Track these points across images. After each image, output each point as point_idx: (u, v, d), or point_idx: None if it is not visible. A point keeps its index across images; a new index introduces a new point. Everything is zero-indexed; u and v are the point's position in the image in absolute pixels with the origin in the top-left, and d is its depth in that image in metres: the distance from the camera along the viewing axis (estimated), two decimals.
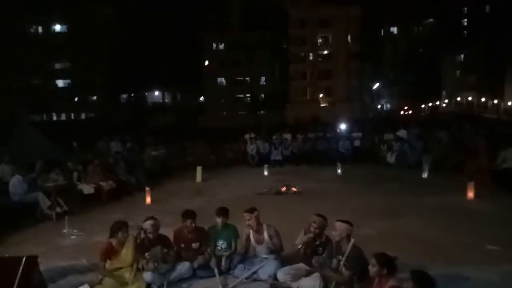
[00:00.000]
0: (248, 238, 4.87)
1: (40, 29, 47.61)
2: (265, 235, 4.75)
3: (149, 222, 4.63)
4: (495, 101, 45.42)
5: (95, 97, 50.27)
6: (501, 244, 5.40)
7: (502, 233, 5.89)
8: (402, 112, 54.89)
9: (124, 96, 56.19)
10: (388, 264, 3.40)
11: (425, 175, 10.66)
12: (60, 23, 47.88)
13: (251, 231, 4.84)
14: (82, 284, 4.41)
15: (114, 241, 4.41)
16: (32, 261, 3.91)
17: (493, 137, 11.78)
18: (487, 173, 9.25)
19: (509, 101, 42.86)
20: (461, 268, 4.68)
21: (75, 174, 9.06)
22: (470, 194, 8.04)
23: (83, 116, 48.72)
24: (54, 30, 48.25)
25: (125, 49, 45.88)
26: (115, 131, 17.18)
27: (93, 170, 9.16)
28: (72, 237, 6.51)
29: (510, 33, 37.74)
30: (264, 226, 4.82)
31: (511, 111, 39.65)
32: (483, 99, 49.24)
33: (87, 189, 8.65)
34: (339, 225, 4.13)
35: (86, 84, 46.59)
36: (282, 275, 4.45)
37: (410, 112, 54.76)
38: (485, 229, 6.14)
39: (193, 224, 4.85)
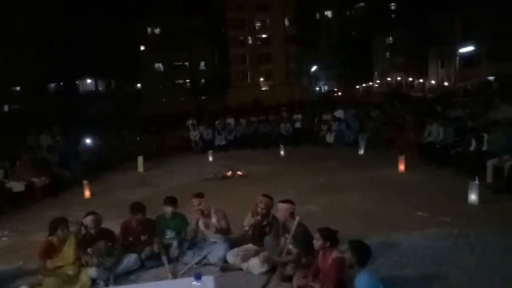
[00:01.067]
0: (197, 224, 4.86)
1: None
2: (213, 219, 4.77)
3: (89, 218, 4.43)
4: (421, 80, 49.08)
5: (18, 88, 46.07)
6: (428, 211, 5.95)
7: (430, 201, 6.49)
8: (334, 94, 57.24)
9: (53, 85, 52.14)
10: (330, 237, 3.62)
11: (361, 152, 11.33)
12: None
13: (200, 216, 4.83)
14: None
15: (54, 239, 4.16)
16: None
17: (419, 114, 12.78)
18: (415, 147, 10.06)
19: (432, 79, 46.57)
20: (395, 235, 5.10)
21: (1, 171, 8.32)
22: (401, 167, 8.72)
23: (6, 108, 44.51)
24: None
25: (53, 36, 42.35)
26: (44, 123, 15.97)
27: (23, 166, 8.47)
28: (3, 239, 6.03)
29: (433, 16, 40.69)
30: (212, 210, 4.84)
31: (434, 89, 43.11)
32: (410, 79, 52.94)
33: (17, 186, 8.00)
34: (280, 206, 4.27)
35: (6, 74, 42.41)
36: (232, 257, 4.52)
37: (340, 93, 57.38)
38: (415, 198, 6.71)
39: (144, 217, 4.74)
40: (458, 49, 36.38)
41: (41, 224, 5.97)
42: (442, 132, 9.42)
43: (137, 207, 4.74)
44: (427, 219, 5.69)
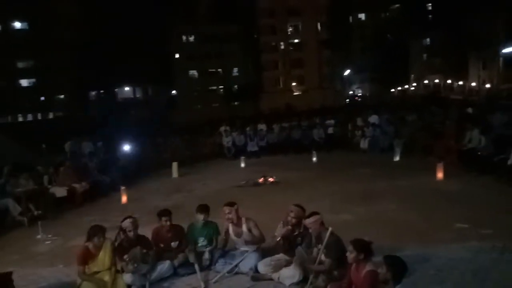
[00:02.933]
0: (227, 232, 4.89)
1: None
2: (244, 228, 4.78)
3: (128, 221, 4.58)
4: (460, 83, 47.04)
5: (62, 96, 48.55)
6: (469, 222, 5.66)
7: (470, 211, 6.17)
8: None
9: (94, 93, 54.54)
10: (364, 249, 3.51)
11: (396, 158, 10.98)
12: (20, 20, 45.65)
13: (230, 224, 4.86)
14: None
15: (90, 245, 4.33)
16: (6, 279, 3.77)
17: (459, 118, 12.24)
18: (455, 153, 9.62)
19: (472, 82, 44.52)
20: (433, 248, 4.89)
21: (45, 177, 8.77)
22: (439, 175, 8.35)
23: (51, 115, 46.99)
24: (14, 27, 45.99)
25: (92, 45, 44.38)
26: (85, 130, 16.73)
27: (65, 172, 8.89)
28: (46, 242, 6.33)
29: (472, 16, 39.02)
30: (243, 219, 4.85)
31: (475, 92, 41.19)
32: (449, 81, 50.88)
33: (60, 192, 8.40)
34: (307, 221, 4.22)
35: (52, 83, 44.80)
36: (263, 266, 4.51)
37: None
38: (454, 208, 6.41)
39: (168, 222, 4.83)
40: (501, 50, 34.61)
41: (81, 228, 6.22)
42: (484, 139, 8.95)
43: (162, 212, 4.88)
44: (468, 231, 5.41)
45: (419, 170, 9.27)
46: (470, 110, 14.43)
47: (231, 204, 4.83)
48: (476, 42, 39.59)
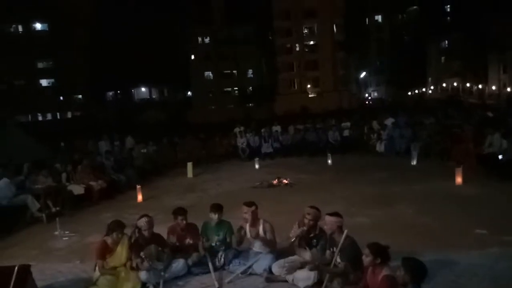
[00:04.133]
0: (242, 229, 4.86)
1: (20, 28, 46.44)
2: (260, 229, 4.77)
3: (144, 219, 4.62)
4: (480, 86, 46.07)
5: (80, 96, 49.51)
6: (488, 228, 5.52)
7: (490, 217, 6.01)
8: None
9: (111, 93, 55.45)
10: (381, 253, 3.45)
11: (414, 162, 10.79)
12: (41, 22, 46.77)
13: (247, 224, 4.85)
14: (76, 286, 4.38)
15: (108, 240, 4.39)
16: (25, 270, 3.85)
17: (479, 122, 11.97)
18: (474, 158, 9.40)
19: (492, 85, 43.55)
20: (451, 253, 4.78)
21: (64, 175, 8.94)
22: (458, 179, 8.17)
23: (69, 115, 47.97)
24: (34, 28, 47.14)
25: (109, 46, 45.17)
26: (103, 130, 17.02)
27: (83, 170, 9.05)
28: (64, 238, 6.44)
29: (491, 18, 38.19)
30: (261, 221, 4.83)
31: (495, 96, 40.27)
32: (468, 84, 49.90)
33: (77, 189, 8.54)
34: (328, 219, 4.17)
35: (70, 83, 45.74)
36: (277, 268, 4.47)
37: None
38: (474, 213, 6.26)
39: (184, 221, 4.85)
40: None
41: (97, 225, 6.34)
42: (505, 144, 8.73)
43: (177, 210, 4.92)
44: (488, 237, 5.27)
45: (437, 175, 9.09)
46: (490, 114, 14.17)
47: (249, 205, 4.81)
48: (496, 45, 38.73)
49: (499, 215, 6.08)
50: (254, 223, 4.81)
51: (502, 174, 8.15)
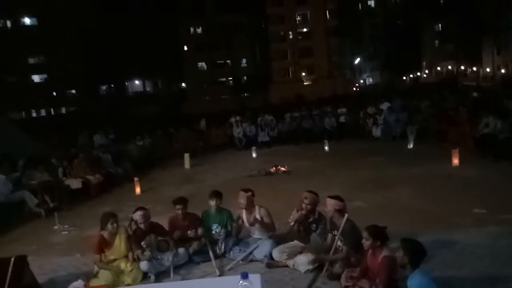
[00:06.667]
0: (239, 219, 4.88)
1: (8, 23, 45.68)
2: (257, 216, 4.77)
3: (139, 213, 4.60)
4: (474, 69, 46.06)
5: (74, 91, 49.02)
6: (486, 207, 5.56)
7: (487, 197, 6.05)
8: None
9: (104, 87, 54.94)
10: (380, 235, 3.47)
11: (410, 145, 10.82)
12: (29, 16, 46.01)
13: (244, 212, 4.86)
14: (76, 279, 4.37)
15: (105, 233, 4.37)
16: (22, 261, 3.85)
17: (474, 104, 11.99)
18: (470, 139, 9.44)
19: (487, 67, 43.56)
20: (450, 233, 4.81)
21: (60, 169, 8.88)
22: (455, 161, 8.21)
23: (63, 110, 47.53)
24: (24, 23, 46.39)
25: (101, 39, 44.56)
26: (98, 124, 16.89)
27: (80, 165, 8.99)
28: (63, 233, 6.43)
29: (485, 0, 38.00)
30: (256, 207, 4.84)
31: (490, 78, 40.31)
32: (462, 67, 49.87)
33: (75, 184, 8.50)
34: (328, 201, 4.19)
35: (63, 78, 45.21)
36: (278, 253, 4.49)
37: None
38: (471, 194, 6.30)
39: (184, 210, 4.84)
40: None
41: (96, 219, 6.25)
42: (500, 124, 8.76)
43: (178, 200, 4.90)
44: (486, 216, 5.32)
45: (433, 157, 9.14)
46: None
47: (245, 190, 4.83)
48: (490, 27, 38.61)
49: (496, 195, 6.13)
50: (250, 210, 4.83)
51: (497, 155, 8.19)
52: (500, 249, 4.29)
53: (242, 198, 4.77)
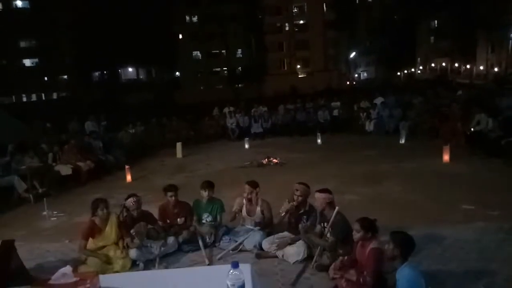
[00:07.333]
0: (238, 207, 4.86)
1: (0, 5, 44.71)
2: (258, 209, 4.77)
3: (131, 199, 4.58)
4: (468, 66, 46.31)
5: (66, 76, 48.32)
6: (475, 203, 5.62)
7: (476, 193, 6.12)
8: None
9: (97, 74, 54.23)
10: (370, 227, 3.49)
11: (402, 140, 10.89)
12: None
13: (245, 202, 4.84)
14: (65, 265, 4.33)
15: (96, 219, 4.34)
16: (9, 246, 3.80)
17: (466, 102, 12.07)
18: (461, 136, 9.52)
19: (480, 65, 43.81)
20: (439, 228, 4.86)
21: (50, 155, 8.79)
22: (446, 157, 8.28)
23: (54, 96, 46.90)
24: (16, 6, 45.43)
25: (95, 25, 43.85)
26: (89, 110, 16.71)
27: (70, 151, 8.90)
28: (52, 219, 6.38)
29: None
30: (259, 200, 4.84)
31: (483, 76, 40.57)
32: (456, 65, 50.11)
33: (65, 170, 8.42)
34: (317, 195, 4.20)
35: (55, 63, 44.53)
36: (268, 244, 4.50)
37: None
38: (461, 190, 6.36)
39: (174, 198, 4.82)
40: (511, 33, 33.88)
41: (86, 206, 6.20)
42: (491, 122, 8.84)
43: (168, 187, 4.88)
44: (474, 212, 5.38)
45: (425, 153, 9.21)
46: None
47: (253, 185, 4.79)
48: (485, 25, 38.74)
49: (485, 191, 6.19)
50: (252, 202, 4.82)
51: (488, 152, 8.28)
52: (487, 244, 4.35)
53: (252, 194, 4.74)
